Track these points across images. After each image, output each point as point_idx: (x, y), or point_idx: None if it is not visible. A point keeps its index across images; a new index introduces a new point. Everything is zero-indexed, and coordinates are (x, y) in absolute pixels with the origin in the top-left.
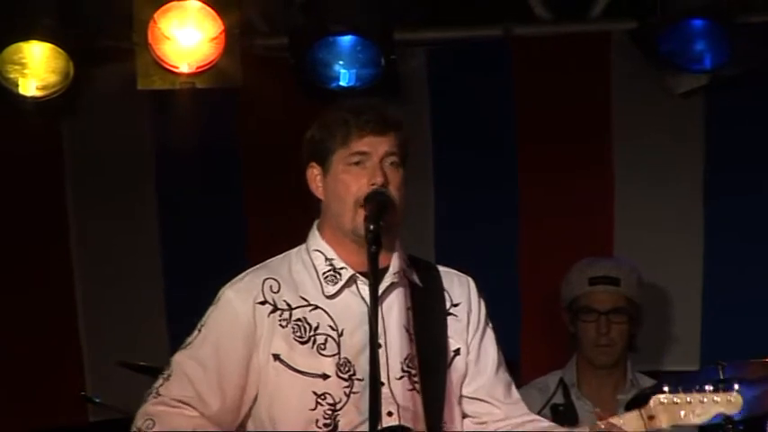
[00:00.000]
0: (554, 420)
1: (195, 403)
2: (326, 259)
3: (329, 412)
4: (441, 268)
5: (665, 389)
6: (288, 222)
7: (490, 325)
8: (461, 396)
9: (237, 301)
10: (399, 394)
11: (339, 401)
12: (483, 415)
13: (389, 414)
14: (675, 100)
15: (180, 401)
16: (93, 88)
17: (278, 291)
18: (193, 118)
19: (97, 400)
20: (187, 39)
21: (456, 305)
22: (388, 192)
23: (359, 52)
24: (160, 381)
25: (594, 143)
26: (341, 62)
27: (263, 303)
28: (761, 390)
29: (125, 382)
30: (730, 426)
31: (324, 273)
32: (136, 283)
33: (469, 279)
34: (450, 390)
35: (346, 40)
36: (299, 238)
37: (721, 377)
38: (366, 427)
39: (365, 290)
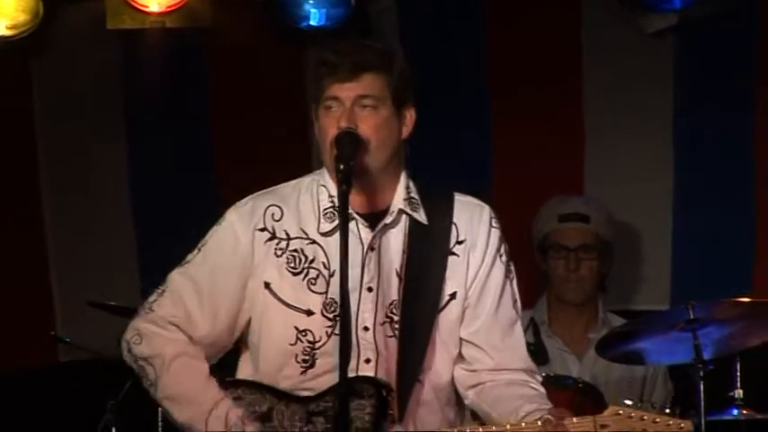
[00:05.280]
0: None
1: (184, 325)
2: (329, 196)
3: (308, 349)
4: (458, 197)
5: (628, 402)
6: (257, 161)
7: (502, 258)
8: (460, 338)
9: (239, 224)
10: (381, 340)
11: (319, 340)
12: (474, 361)
13: (367, 361)
14: (646, 41)
15: (169, 322)
16: (63, 27)
17: (279, 219)
18: (163, 57)
19: (67, 340)
20: None
21: (460, 242)
22: (356, 132)
23: None
24: (154, 296)
25: (566, 84)
26: (311, 1)
27: (261, 230)
28: (730, 329)
29: (95, 321)
30: (701, 365)
31: (324, 209)
32: (106, 223)
33: (484, 210)
34: (435, 336)
35: None
36: (268, 175)
37: (691, 317)
38: None
39: (364, 231)
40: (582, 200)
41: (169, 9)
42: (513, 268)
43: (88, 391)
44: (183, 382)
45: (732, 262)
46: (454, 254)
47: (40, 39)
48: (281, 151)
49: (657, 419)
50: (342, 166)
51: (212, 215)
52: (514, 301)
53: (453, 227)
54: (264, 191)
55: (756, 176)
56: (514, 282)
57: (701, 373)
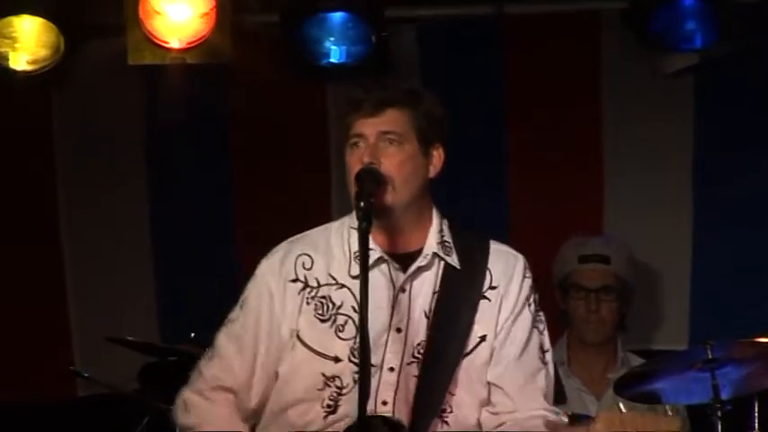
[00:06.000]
0: None
1: (230, 384)
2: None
3: (334, 395)
4: (493, 246)
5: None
6: (276, 197)
7: (530, 308)
8: (487, 381)
9: (271, 277)
10: (404, 380)
11: (346, 386)
12: (497, 404)
13: (384, 403)
14: (666, 80)
15: (214, 387)
16: (84, 63)
17: (310, 267)
18: (183, 93)
19: (86, 375)
20: (178, 14)
21: (493, 288)
22: (377, 169)
23: (349, 29)
24: (204, 360)
25: (585, 123)
26: (331, 39)
27: (294, 281)
28: (748, 369)
29: (114, 357)
30: (719, 405)
31: (356, 252)
32: (125, 258)
33: (518, 260)
34: (463, 378)
35: (337, 16)
36: (288, 210)
37: (709, 356)
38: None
39: (395, 273)
40: (602, 240)
41: (189, 45)
42: (543, 318)
43: (106, 426)
44: None
45: (751, 302)
46: (486, 298)
47: (61, 74)
48: (300, 187)
49: (648, 418)
50: (362, 203)
51: (231, 250)
52: (542, 351)
53: (487, 272)
54: (295, 237)
55: None
56: (545, 332)
57: (719, 414)
